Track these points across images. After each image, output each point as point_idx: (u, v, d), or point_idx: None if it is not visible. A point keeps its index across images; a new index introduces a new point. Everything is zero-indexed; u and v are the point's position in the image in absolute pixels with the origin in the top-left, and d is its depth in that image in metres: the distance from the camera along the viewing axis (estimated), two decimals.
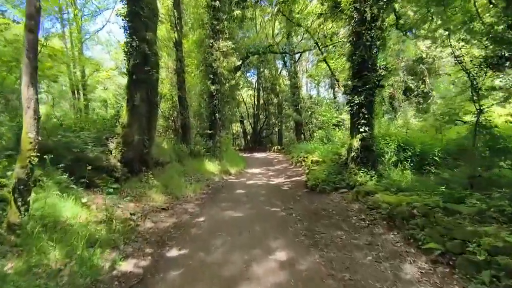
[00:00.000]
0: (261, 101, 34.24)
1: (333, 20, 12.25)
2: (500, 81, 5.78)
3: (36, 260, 3.57)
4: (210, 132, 14.62)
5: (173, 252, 4.74)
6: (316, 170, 10.66)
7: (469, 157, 6.19)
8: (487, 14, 6.23)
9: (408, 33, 11.67)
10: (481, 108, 5.13)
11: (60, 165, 5.80)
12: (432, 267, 3.84)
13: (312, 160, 12.91)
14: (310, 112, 26.35)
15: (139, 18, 8.33)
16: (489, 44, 5.14)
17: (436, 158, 7.90)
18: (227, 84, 15.16)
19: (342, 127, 19.15)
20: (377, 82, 8.71)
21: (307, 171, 12.28)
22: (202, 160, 13.00)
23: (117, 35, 42.55)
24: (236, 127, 36.39)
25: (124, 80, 10.28)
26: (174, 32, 13.51)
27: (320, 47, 15.50)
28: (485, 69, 5.06)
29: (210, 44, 14.40)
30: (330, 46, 16.45)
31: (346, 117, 18.77)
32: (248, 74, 33.31)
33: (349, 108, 9.24)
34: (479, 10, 6.18)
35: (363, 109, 8.70)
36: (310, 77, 32.03)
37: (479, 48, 4.98)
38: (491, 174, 4.98)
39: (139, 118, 8.43)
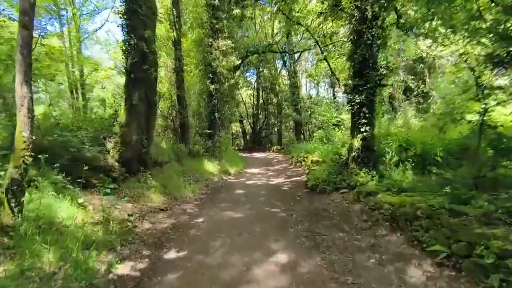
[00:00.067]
0: (261, 101, 34.14)
1: (333, 19, 12.12)
2: (505, 80, 5.67)
3: (29, 263, 3.46)
4: (209, 131, 14.50)
5: (171, 254, 4.63)
6: (316, 170, 10.55)
7: (473, 157, 6.07)
8: (490, 12, 6.15)
9: (408, 32, 11.56)
10: (487, 107, 5.02)
11: (56, 165, 5.68)
12: (437, 270, 3.73)
13: (312, 160, 12.81)
14: (309, 112, 26.24)
15: (137, 16, 8.20)
16: (494, 41, 5.04)
17: (438, 158, 7.80)
18: (226, 84, 15.06)
19: (341, 127, 19.05)
20: (378, 81, 8.61)
21: (307, 171, 12.18)
22: (201, 160, 12.89)
23: (116, 35, 42.36)
24: (235, 127, 36.28)
25: (122, 80, 10.18)
26: (173, 31, 13.39)
27: (320, 47, 15.38)
28: (490, 67, 4.96)
29: (209, 43, 14.29)
30: (330, 46, 16.36)
31: (346, 117, 18.68)
32: (247, 73, 33.26)
33: (350, 108, 9.13)
34: (481, 9, 6.10)
35: (364, 109, 8.59)
36: (310, 77, 31.93)
37: (485, 45, 4.86)
38: (496, 174, 4.87)
39: (138, 118, 8.31)
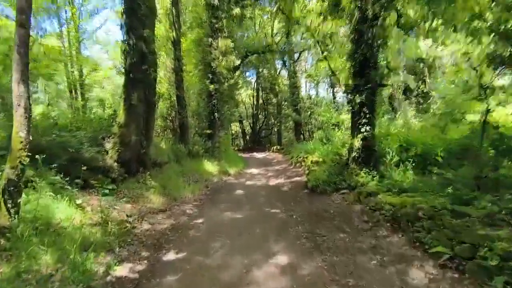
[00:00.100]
0: (260, 101, 34.08)
1: (333, 18, 12.07)
2: (505, 80, 5.64)
3: (26, 265, 3.40)
4: (209, 132, 14.45)
5: (170, 256, 4.58)
6: (316, 171, 10.49)
7: (474, 157, 6.03)
8: (490, 12, 6.11)
9: (409, 32, 11.52)
10: (489, 107, 4.97)
11: (54, 165, 5.63)
12: (440, 272, 3.68)
13: (312, 161, 12.74)
14: (309, 112, 26.19)
15: (136, 16, 8.14)
16: (496, 41, 4.99)
17: (438, 158, 7.75)
18: (226, 84, 15.01)
19: (341, 127, 18.99)
20: (379, 81, 8.57)
21: (307, 171, 12.11)
22: (201, 160, 12.83)
23: (115, 35, 42.34)
24: (235, 127, 36.21)
25: (122, 80, 10.10)
26: (172, 31, 13.33)
27: (321, 46, 15.31)
28: (492, 67, 4.91)
29: (209, 43, 14.25)
30: (330, 46, 16.30)
31: (345, 117, 18.62)
32: (247, 74, 33.21)
33: (350, 108, 9.09)
34: (481, 8, 6.06)
35: (364, 108, 8.53)
36: (309, 77, 31.89)
37: (488, 44, 4.82)
38: (498, 174, 4.82)
39: (137, 118, 8.26)
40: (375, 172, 8.14)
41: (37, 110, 12.97)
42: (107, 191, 5.99)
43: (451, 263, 3.72)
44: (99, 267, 3.91)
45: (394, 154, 8.61)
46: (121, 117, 8.20)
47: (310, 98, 30.44)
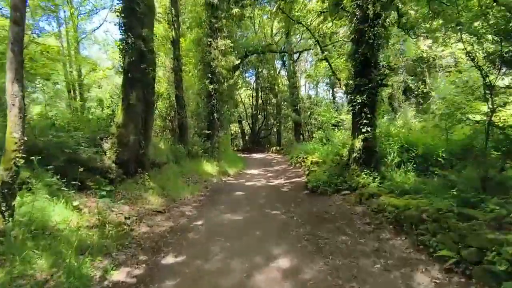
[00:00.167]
0: (260, 101, 33.97)
1: (334, 18, 12.01)
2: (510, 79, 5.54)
3: (20, 270, 3.29)
4: (208, 132, 14.35)
5: (169, 259, 4.47)
6: (316, 171, 10.40)
7: (478, 158, 5.95)
8: (491, 12, 6.03)
9: (409, 32, 11.46)
10: (495, 107, 4.88)
11: (50, 167, 5.52)
12: (446, 277, 3.59)
13: (311, 161, 12.67)
14: (309, 112, 26.11)
15: (134, 15, 8.05)
16: (500, 40, 4.91)
17: (440, 159, 7.66)
18: (225, 84, 14.90)
19: (341, 127, 18.90)
20: (380, 81, 8.49)
21: (307, 172, 12.03)
22: (200, 161, 12.73)
23: (114, 35, 42.19)
24: (234, 128, 36.09)
25: (120, 80, 9.94)
26: (172, 30, 13.23)
27: (321, 46, 15.26)
28: (498, 66, 4.82)
29: (208, 43, 14.15)
30: (330, 46, 16.24)
31: (345, 117, 18.54)
32: (246, 74, 33.13)
33: (351, 108, 8.98)
34: (483, 7, 5.98)
35: (365, 109, 8.45)
36: (309, 77, 31.82)
37: (493, 42, 4.73)
38: (504, 176, 4.73)
39: (135, 118, 8.15)
40: (376, 173, 8.06)
41: (35, 110, 12.87)
42: (104, 192, 5.85)
43: (457, 268, 3.62)
44: (96, 271, 3.80)
45: (395, 154, 8.53)
46: (119, 117, 8.10)
47: (310, 98, 30.38)
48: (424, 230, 4.48)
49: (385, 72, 8.66)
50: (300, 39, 25.63)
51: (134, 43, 7.95)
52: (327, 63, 15.61)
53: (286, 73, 28.38)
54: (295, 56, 26.82)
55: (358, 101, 8.48)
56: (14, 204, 3.86)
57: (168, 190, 8.32)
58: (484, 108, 7.01)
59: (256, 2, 17.33)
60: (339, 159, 10.10)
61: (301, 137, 24.63)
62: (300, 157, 15.86)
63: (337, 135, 15.54)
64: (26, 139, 3.91)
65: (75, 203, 5.26)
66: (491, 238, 3.33)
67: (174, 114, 14.11)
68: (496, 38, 4.91)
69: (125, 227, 5.50)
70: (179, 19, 13.89)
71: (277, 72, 31.29)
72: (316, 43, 14.83)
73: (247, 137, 36.01)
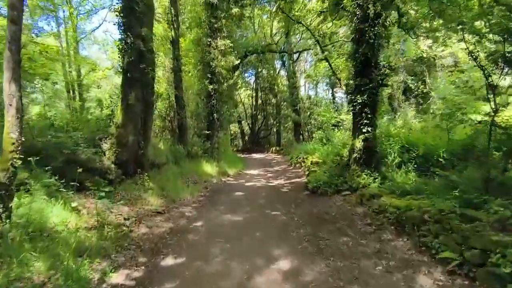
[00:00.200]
0: (259, 102, 33.92)
1: (334, 18, 11.97)
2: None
3: (17, 272, 3.24)
4: (207, 132, 14.30)
5: (169, 261, 4.42)
6: (316, 172, 10.36)
7: (479, 158, 5.91)
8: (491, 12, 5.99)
9: (410, 32, 11.43)
10: (497, 107, 4.83)
11: (49, 167, 5.48)
12: (449, 279, 3.54)
13: (311, 161, 12.62)
14: (308, 112, 26.07)
15: (134, 14, 8.00)
16: (506, 38, 4.86)
17: (441, 159, 7.62)
18: (225, 84, 14.84)
19: (341, 127, 18.86)
20: (380, 81, 8.45)
21: (307, 172, 11.99)
22: (200, 161, 12.68)
23: (114, 35, 42.07)
24: (234, 128, 36.05)
25: (120, 80, 9.85)
26: (171, 30, 13.18)
27: (321, 46, 15.22)
28: (501, 66, 4.78)
29: (208, 43, 14.09)
30: (330, 46, 16.21)
31: (345, 117, 18.50)
32: (246, 74, 33.11)
33: (352, 108, 8.94)
34: (484, 7, 5.94)
35: (366, 109, 8.41)
36: (309, 78, 31.78)
37: (495, 42, 4.69)
38: (507, 177, 4.69)
39: (134, 118, 8.11)
40: (377, 174, 8.02)
41: (34, 110, 12.81)
42: (103, 193, 5.81)
43: (461, 270, 3.57)
44: (94, 274, 3.75)
45: (395, 155, 8.49)
46: (118, 117, 8.05)
47: (310, 98, 30.34)
48: (426, 231, 4.44)
49: (385, 72, 8.62)
50: (300, 39, 25.59)
51: (133, 43, 7.91)
52: (326, 63, 15.60)
53: (286, 73, 28.36)
54: (295, 56, 26.78)
55: (359, 101, 8.44)
56: (11, 206, 3.81)
57: (168, 190, 8.27)
58: (485, 108, 6.99)
59: (255, 2, 17.28)
60: (339, 160, 10.06)
61: (301, 137, 24.59)
62: (300, 158, 15.81)
63: (337, 135, 15.50)
64: (23, 139, 3.86)
65: (73, 204, 5.23)
66: (495, 240, 3.28)
67: (174, 115, 14.06)
68: (498, 37, 4.86)
69: (124, 228, 5.45)
70: (179, 19, 13.84)
71: (277, 72, 31.25)
72: (316, 43, 14.79)
73: (246, 137, 35.96)
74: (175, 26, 13.13)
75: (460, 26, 4.99)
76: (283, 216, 6.83)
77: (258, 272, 4.01)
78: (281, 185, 11.10)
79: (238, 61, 18.93)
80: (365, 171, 8.20)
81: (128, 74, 7.98)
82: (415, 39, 15.56)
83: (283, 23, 19.23)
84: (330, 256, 4.47)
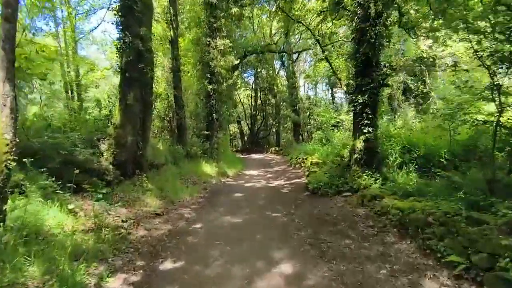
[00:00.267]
0: (259, 102, 33.82)
1: (334, 17, 11.88)
2: None
3: (10, 278, 3.13)
4: (207, 133, 14.20)
5: (167, 265, 4.32)
6: (316, 172, 10.27)
7: (483, 159, 5.83)
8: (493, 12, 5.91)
9: (410, 32, 11.35)
10: (503, 107, 4.74)
11: (45, 169, 5.37)
12: (456, 284, 3.45)
13: (311, 162, 12.53)
14: (308, 112, 25.99)
15: (132, 13, 7.90)
16: (503, 40, 4.78)
17: (442, 160, 7.54)
18: (224, 84, 14.75)
19: (341, 127, 18.78)
20: (381, 81, 8.37)
21: (307, 173, 11.90)
22: (199, 162, 12.58)
23: (112, 35, 41.86)
24: (233, 128, 35.94)
25: (118, 80, 9.75)
26: (170, 30, 13.08)
27: (321, 46, 15.13)
28: (507, 65, 4.69)
29: (207, 42, 14.00)
30: (330, 46, 16.12)
31: (345, 117, 18.43)
32: (245, 74, 33.03)
33: (352, 108, 8.86)
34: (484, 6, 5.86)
35: (366, 109, 8.33)
36: (308, 78, 31.72)
37: (500, 42, 4.60)
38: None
39: (133, 118, 8.00)
40: (378, 174, 7.94)
41: (33, 110, 12.69)
42: (101, 195, 5.70)
43: (467, 274, 3.48)
44: (90, 278, 3.64)
45: (396, 155, 8.41)
46: (116, 118, 7.95)
47: (309, 98, 30.27)
48: (430, 234, 4.34)
49: (386, 72, 8.55)
50: (299, 39, 25.53)
51: (131, 42, 7.81)
52: (326, 63, 15.53)
53: (285, 73, 28.30)
54: (294, 56, 26.72)
55: (360, 101, 8.36)
56: (5, 209, 3.69)
57: (167, 191, 8.17)
58: (487, 108, 6.90)
59: (255, 2, 17.19)
60: (339, 160, 9.98)
61: (300, 137, 24.51)
62: (299, 158, 15.72)
63: (336, 136, 15.44)
64: (18, 140, 3.75)
65: (70, 206, 5.12)
66: (504, 244, 3.18)
67: (173, 115, 13.96)
68: (503, 36, 4.77)
69: (122, 230, 5.34)
70: (178, 18, 13.74)
71: (276, 73, 31.18)
72: (316, 42, 14.69)
73: (246, 138, 35.85)
74: (174, 25, 13.03)
75: (464, 25, 4.90)
76: (283, 217, 6.74)
77: (259, 276, 3.91)
78: (281, 185, 11.01)
79: (238, 61, 18.84)
80: (366, 171, 8.12)
81: (127, 74, 7.88)
82: (415, 39, 15.51)
83: (283, 23, 19.16)
84: (333, 259, 4.37)
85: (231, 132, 34.76)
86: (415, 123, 13.99)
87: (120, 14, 7.95)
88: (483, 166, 5.54)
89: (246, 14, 18.02)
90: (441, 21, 8.75)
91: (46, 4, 14.22)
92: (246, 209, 7.54)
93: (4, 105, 3.58)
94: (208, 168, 12.56)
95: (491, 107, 6.64)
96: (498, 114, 4.79)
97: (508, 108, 4.78)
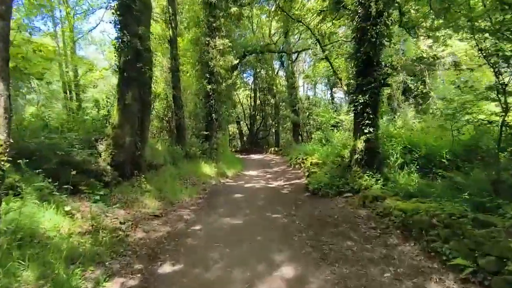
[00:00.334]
0: (258, 102, 33.73)
1: (335, 17, 11.81)
2: None
3: (4, 283, 3.03)
4: (206, 133, 14.10)
5: (166, 268, 4.22)
6: (317, 173, 10.19)
7: (486, 159, 5.75)
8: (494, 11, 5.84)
9: (411, 31, 11.29)
10: (508, 106, 4.66)
11: (41, 170, 5.27)
12: None
13: (311, 162, 12.44)
14: (307, 113, 25.92)
15: (130, 12, 7.80)
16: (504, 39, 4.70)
17: (444, 160, 7.46)
18: (223, 84, 14.66)
19: (340, 128, 18.71)
20: (382, 81, 8.29)
21: (307, 173, 11.81)
22: (198, 162, 12.48)
23: (111, 35, 41.71)
24: (232, 128, 35.86)
25: (117, 80, 9.66)
26: (169, 29, 13.00)
27: (322, 45, 15.06)
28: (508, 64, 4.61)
29: (206, 42, 13.91)
30: (330, 46, 16.06)
31: (344, 117, 18.35)
32: (244, 74, 32.95)
33: (353, 108, 8.78)
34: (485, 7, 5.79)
35: (367, 109, 8.26)
36: (307, 78, 31.66)
37: (505, 40, 4.53)
38: None
39: (131, 118, 7.90)
40: (379, 175, 7.86)
41: (30, 111, 12.59)
42: (98, 196, 5.59)
43: (474, 277, 3.39)
44: (87, 283, 3.53)
45: (398, 156, 8.33)
46: (114, 118, 7.84)
47: (309, 99, 30.21)
48: (435, 236, 4.25)
49: (387, 71, 8.49)
50: (299, 39, 25.47)
51: (130, 42, 7.71)
52: (326, 63, 15.46)
53: (285, 74, 28.21)
54: (294, 56, 26.65)
55: (360, 101, 8.29)
56: None
57: (166, 192, 8.07)
58: (491, 107, 6.82)
59: (254, 1, 17.11)
60: (340, 161, 9.90)
61: (300, 137, 24.43)
62: (299, 158, 15.63)
63: (336, 136, 15.35)
64: (12, 141, 3.64)
65: (67, 208, 5.01)
66: None
67: (172, 115, 13.86)
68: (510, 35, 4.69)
69: (120, 232, 5.23)
70: (177, 18, 13.66)
71: (276, 73, 31.10)
72: (316, 42, 14.61)
73: (245, 138, 35.75)
74: (173, 25, 12.95)
75: (469, 23, 4.82)
76: (284, 218, 6.65)
77: (260, 280, 3.82)
78: (281, 186, 10.91)
79: (237, 61, 18.78)
80: (367, 172, 8.04)
81: (125, 73, 7.78)
82: (415, 39, 15.47)
83: (282, 23, 19.11)
84: (335, 261, 4.28)
85: (230, 133, 34.68)
86: (415, 123, 13.94)
87: (118, 13, 7.85)
88: (487, 167, 5.47)
89: (245, 13, 17.95)
90: (441, 21, 8.71)
91: (44, 2, 14.16)
92: (246, 210, 7.44)
93: None
94: (207, 169, 12.46)
95: (493, 107, 6.58)
96: (503, 114, 4.71)
97: None
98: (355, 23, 8.73)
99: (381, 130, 9.32)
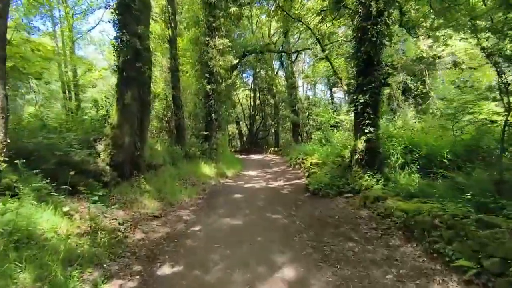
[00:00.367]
0: (258, 102, 33.68)
1: (335, 16, 11.77)
2: None
3: (0, 286, 2.98)
4: (205, 133, 14.04)
5: (165, 270, 4.16)
6: (317, 173, 10.14)
7: (487, 159, 5.70)
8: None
9: (411, 31, 11.26)
10: (510, 105, 4.62)
11: (39, 170, 5.20)
12: None
13: (311, 162, 12.39)
14: (307, 113, 25.89)
15: (129, 11, 7.75)
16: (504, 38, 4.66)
17: (445, 160, 7.42)
18: (223, 84, 14.60)
19: (340, 128, 18.68)
20: (383, 80, 8.25)
21: (307, 174, 11.76)
22: (198, 162, 12.42)
23: (110, 35, 41.67)
24: (232, 128, 35.80)
25: (116, 80, 9.62)
26: (168, 29, 12.95)
27: (322, 45, 15.02)
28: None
29: (206, 42, 13.86)
30: (329, 45, 16.03)
31: (344, 117, 18.32)
32: (244, 74, 32.88)
33: (353, 108, 8.75)
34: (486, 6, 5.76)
35: (368, 109, 8.22)
36: (307, 78, 31.64)
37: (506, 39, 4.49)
38: None
39: (130, 118, 7.85)
40: (380, 175, 7.83)
41: (29, 111, 12.53)
42: (96, 197, 5.52)
43: (478, 279, 3.34)
44: (84, 285, 3.48)
45: (398, 156, 8.29)
46: (114, 118, 7.79)
47: (308, 99, 30.18)
48: (437, 237, 4.20)
49: (388, 71, 8.45)
50: (299, 39, 25.44)
51: (129, 41, 7.66)
52: (326, 63, 15.43)
53: (284, 74, 28.18)
54: (293, 56, 26.62)
55: (361, 101, 8.25)
56: None
57: (165, 193, 8.02)
58: (490, 107, 6.79)
59: (254, 1, 17.07)
60: (340, 161, 9.86)
61: (300, 138, 24.40)
62: (299, 158, 15.58)
63: (336, 136, 15.31)
64: (9, 141, 3.60)
65: (65, 209, 4.95)
66: None
67: (171, 115, 13.81)
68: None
69: (119, 233, 5.18)
70: (176, 18, 13.62)
71: (275, 73, 31.05)
72: (316, 41, 14.57)
73: (244, 138, 35.69)
74: (172, 25, 12.90)
75: (471, 22, 4.78)
76: (284, 219, 6.59)
77: (260, 282, 3.77)
78: (281, 186, 10.86)
79: (237, 61, 18.73)
80: (368, 172, 8.01)
81: (124, 73, 7.73)
82: (415, 39, 15.43)
83: (282, 23, 19.05)
84: (336, 263, 4.23)
85: (230, 133, 34.63)
86: (415, 123, 13.90)
87: (117, 12, 7.80)
88: (488, 167, 5.43)
89: (245, 13, 17.90)
90: (441, 21, 8.68)
91: (43, 1, 14.11)
92: (245, 210, 7.39)
93: None
94: (207, 169, 12.41)
95: (493, 106, 6.55)
96: (506, 113, 4.67)
97: None
98: (355, 23, 8.70)
99: (381, 130, 9.29)
